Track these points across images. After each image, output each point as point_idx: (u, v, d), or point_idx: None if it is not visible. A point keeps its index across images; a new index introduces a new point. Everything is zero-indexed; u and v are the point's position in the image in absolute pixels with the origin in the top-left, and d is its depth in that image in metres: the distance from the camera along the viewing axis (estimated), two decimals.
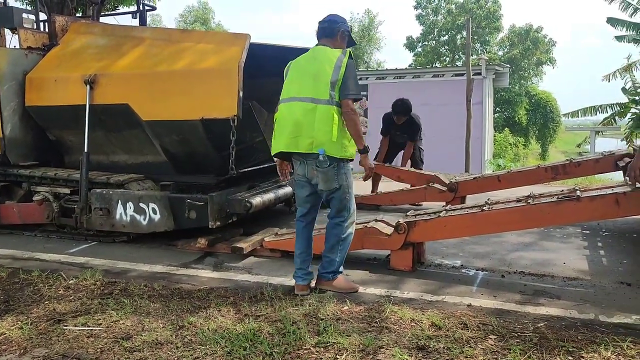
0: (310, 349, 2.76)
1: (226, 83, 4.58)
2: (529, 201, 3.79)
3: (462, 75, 13.42)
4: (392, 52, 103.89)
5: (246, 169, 5.20)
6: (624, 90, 16.01)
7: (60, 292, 3.72)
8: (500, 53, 33.71)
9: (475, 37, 32.51)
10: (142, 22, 6.80)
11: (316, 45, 3.66)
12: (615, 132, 24.62)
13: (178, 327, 3.06)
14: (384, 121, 7.31)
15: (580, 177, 6.29)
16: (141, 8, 6.79)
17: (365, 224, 4.25)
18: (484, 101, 14.91)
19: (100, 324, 3.13)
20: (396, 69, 15.93)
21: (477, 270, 4.16)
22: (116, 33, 5.71)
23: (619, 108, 16.38)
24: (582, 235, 5.23)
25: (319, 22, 3.67)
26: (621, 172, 5.52)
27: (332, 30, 3.62)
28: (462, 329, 2.96)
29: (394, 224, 4.10)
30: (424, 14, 35.47)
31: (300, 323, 3.04)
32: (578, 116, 17.44)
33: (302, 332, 2.91)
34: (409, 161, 7.26)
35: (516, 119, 28.35)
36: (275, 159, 3.75)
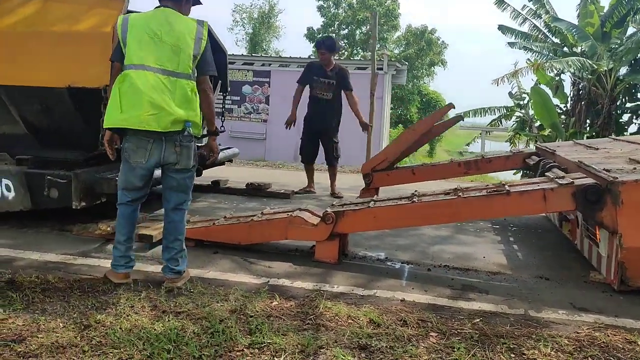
0: (243, 350, 2.47)
1: (98, 49, 4.14)
2: (459, 194, 3.74)
3: (364, 69, 13.53)
4: (292, 42, 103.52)
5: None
6: (510, 94, 17.14)
7: None
8: (397, 51, 34.73)
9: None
10: None
11: (161, 7, 3.21)
12: (500, 133, 26.37)
13: (83, 327, 2.62)
14: (307, 69, 6.67)
15: (490, 172, 6.47)
16: None
17: (290, 213, 4.00)
18: (384, 96, 15.15)
19: None
20: (300, 57, 15.71)
21: (402, 263, 4.07)
22: None
23: (505, 111, 17.51)
24: (493, 229, 5.35)
25: None
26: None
27: None
28: (401, 327, 2.81)
29: (321, 214, 3.89)
30: (325, 5, 35.59)
31: (228, 321, 2.73)
32: (469, 117, 18.35)
33: (232, 332, 2.60)
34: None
35: (408, 116, 29.34)
36: (107, 132, 3.23)
